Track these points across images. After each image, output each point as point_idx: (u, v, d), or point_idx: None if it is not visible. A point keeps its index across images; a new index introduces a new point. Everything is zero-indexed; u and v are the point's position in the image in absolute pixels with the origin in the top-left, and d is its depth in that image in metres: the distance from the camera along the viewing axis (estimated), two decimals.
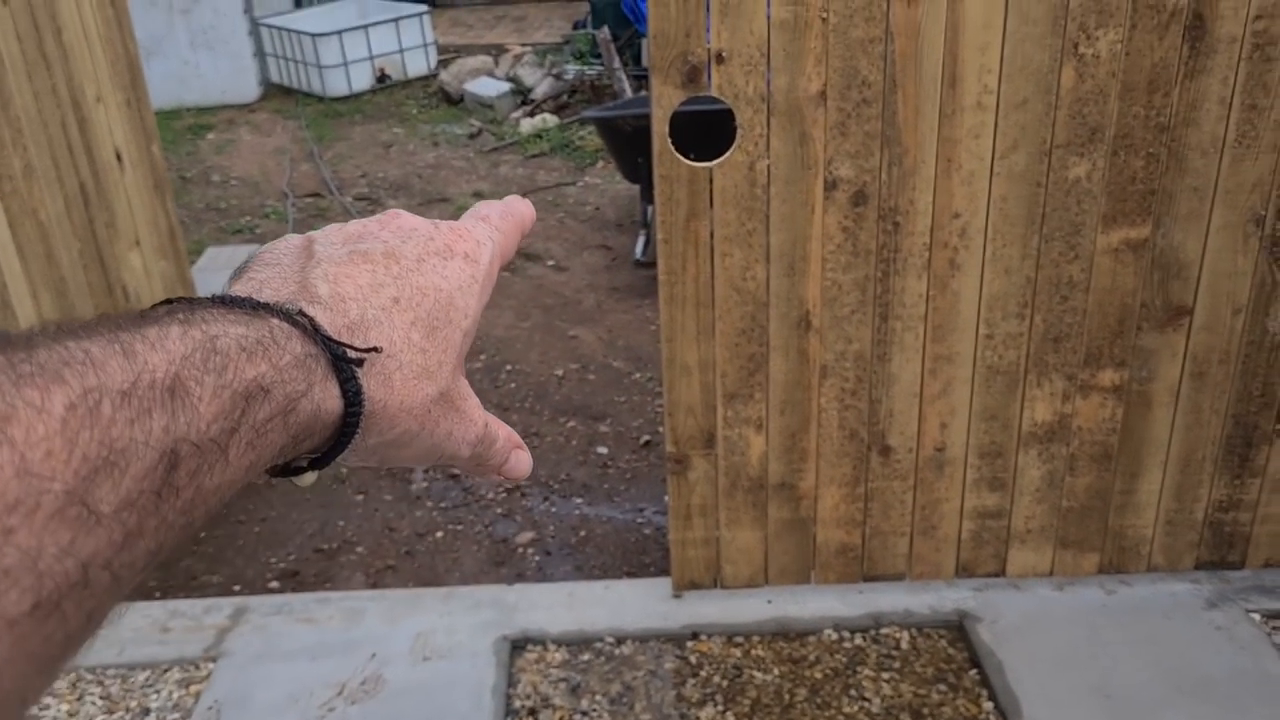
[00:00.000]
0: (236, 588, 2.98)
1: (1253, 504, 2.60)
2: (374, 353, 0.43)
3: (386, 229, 0.48)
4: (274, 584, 2.99)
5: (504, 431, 0.53)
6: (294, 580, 3.01)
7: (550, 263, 5.09)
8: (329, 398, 0.41)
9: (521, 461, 0.54)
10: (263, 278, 0.45)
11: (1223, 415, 2.50)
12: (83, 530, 0.31)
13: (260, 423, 0.38)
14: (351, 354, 0.43)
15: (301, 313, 0.42)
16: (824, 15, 2.12)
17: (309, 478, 0.45)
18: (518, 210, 0.55)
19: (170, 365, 0.35)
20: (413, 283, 0.46)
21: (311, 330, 0.42)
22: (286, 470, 0.45)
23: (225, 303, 0.40)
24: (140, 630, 2.67)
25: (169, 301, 0.40)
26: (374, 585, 2.96)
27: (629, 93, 6.19)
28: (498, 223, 0.52)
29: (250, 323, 0.40)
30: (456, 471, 3.48)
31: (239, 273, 0.46)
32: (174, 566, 3.06)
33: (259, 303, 0.42)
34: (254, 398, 0.38)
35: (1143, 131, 2.23)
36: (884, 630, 2.59)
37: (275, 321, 0.40)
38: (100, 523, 0.31)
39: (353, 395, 0.42)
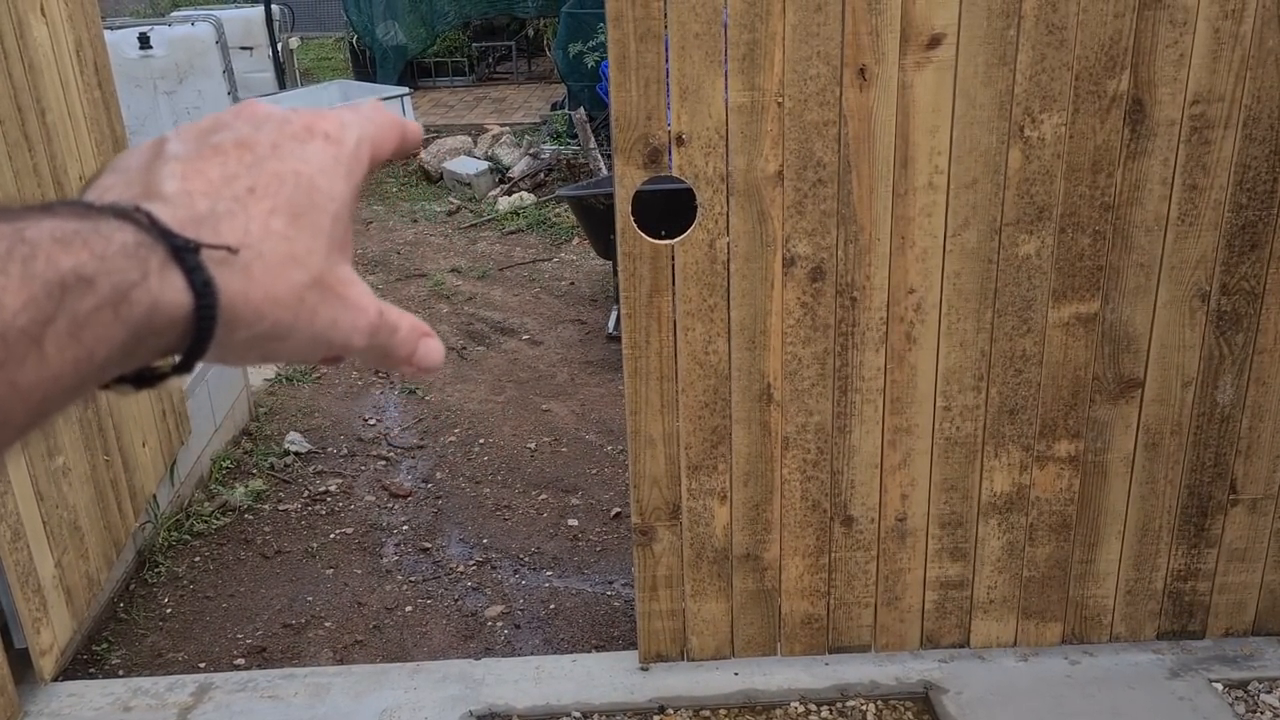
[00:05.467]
0: (202, 665, 2.95)
1: (1210, 573, 2.63)
2: (225, 250, 0.41)
3: (240, 118, 0.45)
4: (240, 660, 2.97)
5: (407, 320, 0.49)
6: (261, 656, 2.99)
7: (525, 337, 5.14)
8: (171, 289, 0.39)
9: (432, 350, 0.50)
10: (108, 184, 0.43)
11: (1177, 485, 2.55)
12: None
13: (84, 314, 0.36)
14: (193, 243, 0.40)
15: (137, 208, 0.40)
16: (780, 100, 2.21)
17: (176, 381, 0.43)
18: (399, 117, 0.52)
19: None
20: (268, 169, 0.43)
21: (147, 223, 0.39)
22: (149, 377, 0.43)
23: (52, 205, 0.38)
24: (102, 710, 2.64)
25: None
26: (342, 661, 2.94)
27: (604, 171, 6.32)
28: (369, 113, 0.49)
29: (74, 219, 0.38)
30: (427, 545, 3.49)
31: (84, 188, 0.43)
32: (139, 643, 3.04)
33: (89, 203, 0.40)
34: (71, 287, 0.36)
35: (1089, 210, 2.32)
36: (850, 702, 2.59)
37: (106, 218, 0.38)
38: None
39: (201, 286, 0.40)
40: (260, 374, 4.66)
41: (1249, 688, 2.59)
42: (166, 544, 3.47)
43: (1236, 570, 2.63)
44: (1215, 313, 2.40)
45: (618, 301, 4.93)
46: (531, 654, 2.92)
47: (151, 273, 0.38)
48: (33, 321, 0.35)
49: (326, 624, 3.12)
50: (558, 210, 6.75)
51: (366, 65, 9.87)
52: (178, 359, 0.42)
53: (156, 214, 0.40)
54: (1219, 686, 2.58)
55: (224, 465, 3.93)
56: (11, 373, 0.34)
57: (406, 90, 8.38)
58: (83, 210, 0.38)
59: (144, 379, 0.43)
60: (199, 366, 0.43)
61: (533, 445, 4.12)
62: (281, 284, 0.42)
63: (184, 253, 0.39)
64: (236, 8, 9.23)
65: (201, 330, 0.40)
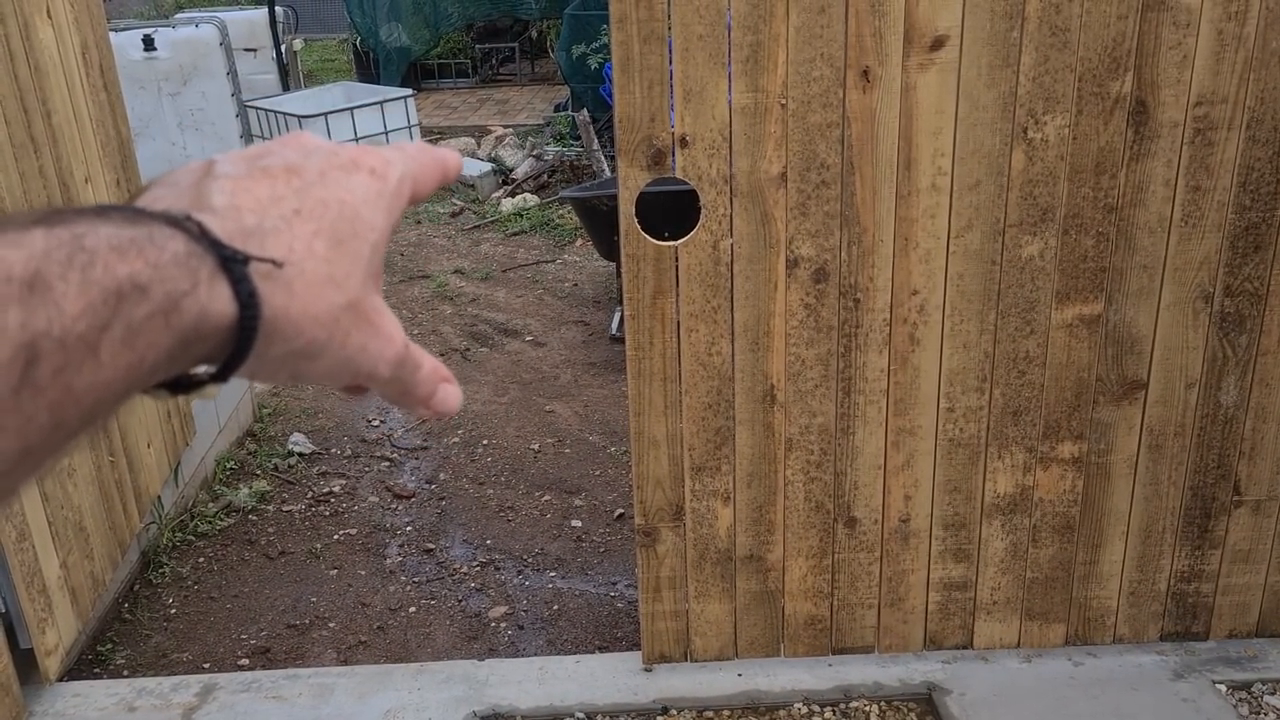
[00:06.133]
0: (206, 665, 2.96)
1: (1214, 575, 2.63)
2: (270, 263, 0.42)
3: (288, 147, 0.47)
4: (244, 661, 2.98)
5: (430, 362, 0.51)
6: (265, 657, 2.99)
7: (528, 338, 5.15)
8: (218, 299, 0.40)
9: (450, 395, 0.52)
10: (156, 195, 0.44)
11: (1181, 487, 2.55)
12: None
13: (138, 321, 0.37)
14: (241, 255, 0.41)
15: (189, 217, 0.41)
16: (783, 102, 2.21)
17: (212, 390, 0.44)
18: (442, 153, 0.53)
19: (30, 261, 0.35)
20: (315, 194, 0.45)
21: (197, 232, 0.40)
22: (186, 384, 0.43)
23: (105, 209, 0.39)
24: (106, 710, 2.65)
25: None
26: (345, 661, 2.95)
27: (607, 173, 6.33)
28: (413, 152, 0.51)
29: (128, 226, 0.38)
30: (431, 546, 3.49)
31: (133, 198, 0.44)
32: (144, 643, 3.05)
33: (139, 209, 0.40)
34: (127, 295, 0.37)
35: (1092, 212, 2.32)
36: (853, 703, 2.60)
37: (156, 225, 0.39)
38: None
39: (246, 297, 0.41)
40: None
41: (1252, 689, 2.59)
42: (171, 545, 3.47)
43: (1240, 572, 2.63)
44: (1219, 314, 2.40)
45: (621, 303, 4.93)
46: (535, 655, 2.93)
47: (201, 282, 0.39)
48: (91, 328, 0.36)
49: (330, 625, 3.13)
50: (561, 212, 6.76)
51: (370, 67, 9.88)
52: (215, 368, 0.43)
53: (207, 224, 0.41)
54: (1222, 688, 2.58)
55: (228, 466, 3.94)
56: (69, 377, 0.35)
57: (410, 92, 8.39)
58: (135, 216, 0.39)
59: (181, 385, 0.43)
60: (234, 378, 0.43)
61: (536, 446, 4.13)
62: (321, 303, 0.44)
63: (232, 263, 0.40)
64: (241, 10, 9.25)
65: (243, 341, 0.41)
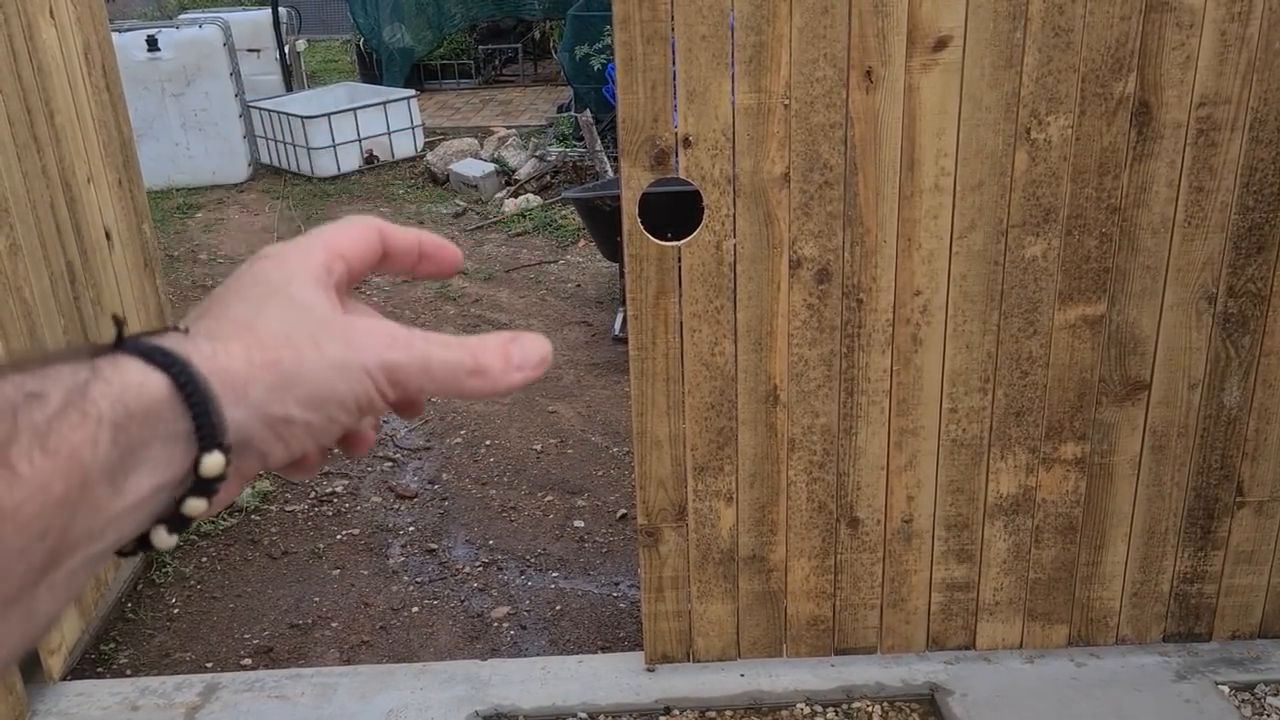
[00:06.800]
0: (209, 665, 2.96)
1: (1217, 576, 2.63)
2: (170, 331, 0.41)
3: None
4: (247, 661, 2.98)
5: (493, 340, 0.48)
6: (267, 656, 2.99)
7: None
8: (131, 372, 0.39)
9: (530, 346, 0.49)
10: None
11: (1184, 488, 2.55)
12: None
13: (42, 422, 0.36)
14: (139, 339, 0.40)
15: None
16: (786, 102, 2.21)
17: (198, 506, 0.42)
18: (368, 229, 0.50)
19: None
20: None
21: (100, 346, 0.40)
22: (177, 519, 0.42)
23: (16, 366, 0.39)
24: (109, 709, 2.65)
25: None
26: (348, 661, 2.95)
27: (610, 173, 6.33)
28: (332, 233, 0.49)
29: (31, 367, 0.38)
30: (434, 546, 3.49)
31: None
32: (147, 643, 3.05)
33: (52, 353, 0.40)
34: (23, 406, 0.36)
35: (1095, 212, 2.32)
36: (856, 704, 2.59)
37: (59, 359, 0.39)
38: None
39: (160, 357, 0.39)
40: None
41: (1255, 690, 2.59)
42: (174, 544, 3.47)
43: (1243, 573, 2.63)
44: (1222, 315, 2.40)
45: (624, 303, 4.93)
46: (537, 655, 2.93)
47: (101, 369, 0.38)
48: None
49: (333, 624, 3.13)
50: (564, 212, 6.76)
51: (373, 67, 9.89)
52: (193, 479, 0.41)
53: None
54: (1225, 689, 2.58)
55: None
56: None
57: (413, 93, 8.39)
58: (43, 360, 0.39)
59: (174, 521, 0.41)
60: (226, 467, 0.41)
61: (539, 447, 4.13)
62: (262, 327, 0.43)
63: (128, 342, 0.40)
64: (244, 10, 9.26)
65: (196, 401, 0.39)
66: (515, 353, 0.48)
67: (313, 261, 0.47)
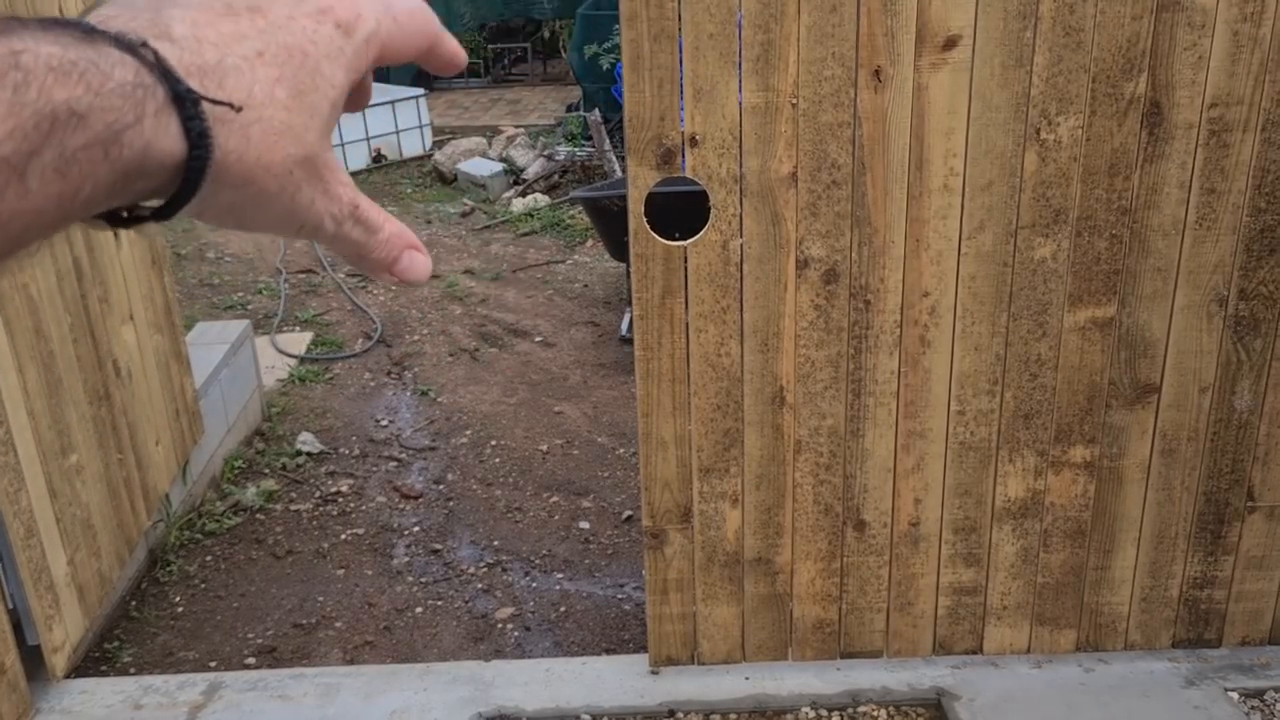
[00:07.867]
0: (212, 664, 2.96)
1: (1227, 581, 2.61)
2: (228, 107, 0.40)
3: None
4: (250, 660, 2.97)
5: (393, 226, 0.49)
6: (271, 656, 2.99)
7: (538, 339, 5.14)
8: (165, 135, 0.38)
9: (416, 263, 0.50)
10: (112, 13, 0.41)
11: (1194, 492, 2.53)
12: None
13: (72, 150, 0.35)
14: (198, 92, 0.39)
15: (145, 43, 0.39)
16: (794, 101, 2.20)
17: (151, 228, 0.43)
18: (428, 19, 0.49)
19: None
20: (279, 39, 0.42)
21: (153, 61, 0.38)
22: (126, 218, 0.42)
23: (53, 24, 0.37)
24: (113, 707, 2.65)
25: None
26: (351, 661, 2.94)
27: (618, 173, 6.31)
28: (398, 12, 0.47)
29: (74, 46, 0.36)
30: (438, 546, 3.48)
31: (87, 10, 0.41)
32: (150, 641, 3.05)
33: (93, 27, 0.38)
34: (63, 121, 0.35)
35: (1105, 214, 2.30)
36: (862, 708, 2.58)
37: (107, 48, 0.37)
38: None
39: (196, 137, 0.39)
40: (274, 374, 4.67)
41: (1265, 697, 2.56)
42: (178, 543, 3.47)
43: (1253, 578, 2.60)
44: (1233, 318, 2.38)
45: (630, 304, 4.93)
46: (541, 656, 2.91)
47: (147, 116, 0.38)
48: (16, 152, 0.34)
49: (337, 624, 3.12)
50: (572, 212, 6.75)
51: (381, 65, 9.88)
52: (159, 204, 0.41)
53: (164, 54, 0.39)
54: (1235, 695, 2.56)
55: (236, 465, 3.94)
56: None
57: (421, 91, 8.39)
58: (84, 35, 0.37)
59: (121, 219, 0.42)
60: (178, 217, 0.42)
61: (544, 447, 4.12)
62: (276, 152, 0.42)
63: (184, 101, 0.39)
64: None
65: (189, 182, 0.40)
66: (404, 259, 0.50)
67: (360, 58, 0.47)
